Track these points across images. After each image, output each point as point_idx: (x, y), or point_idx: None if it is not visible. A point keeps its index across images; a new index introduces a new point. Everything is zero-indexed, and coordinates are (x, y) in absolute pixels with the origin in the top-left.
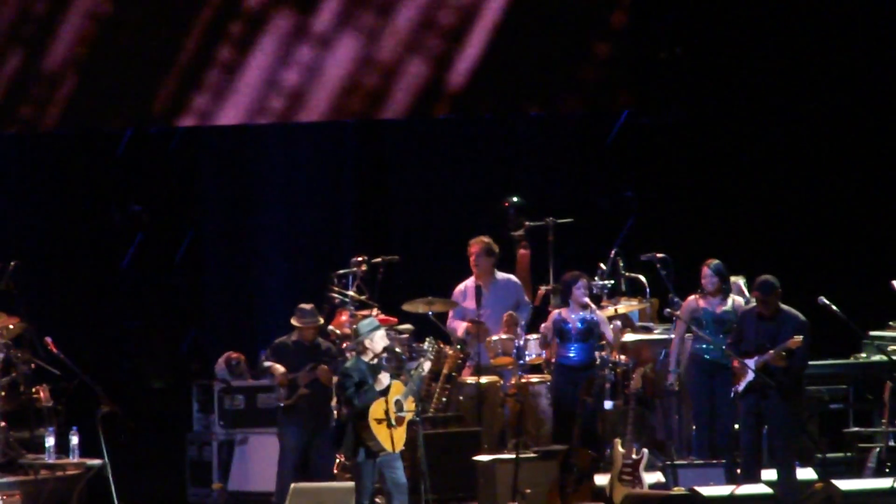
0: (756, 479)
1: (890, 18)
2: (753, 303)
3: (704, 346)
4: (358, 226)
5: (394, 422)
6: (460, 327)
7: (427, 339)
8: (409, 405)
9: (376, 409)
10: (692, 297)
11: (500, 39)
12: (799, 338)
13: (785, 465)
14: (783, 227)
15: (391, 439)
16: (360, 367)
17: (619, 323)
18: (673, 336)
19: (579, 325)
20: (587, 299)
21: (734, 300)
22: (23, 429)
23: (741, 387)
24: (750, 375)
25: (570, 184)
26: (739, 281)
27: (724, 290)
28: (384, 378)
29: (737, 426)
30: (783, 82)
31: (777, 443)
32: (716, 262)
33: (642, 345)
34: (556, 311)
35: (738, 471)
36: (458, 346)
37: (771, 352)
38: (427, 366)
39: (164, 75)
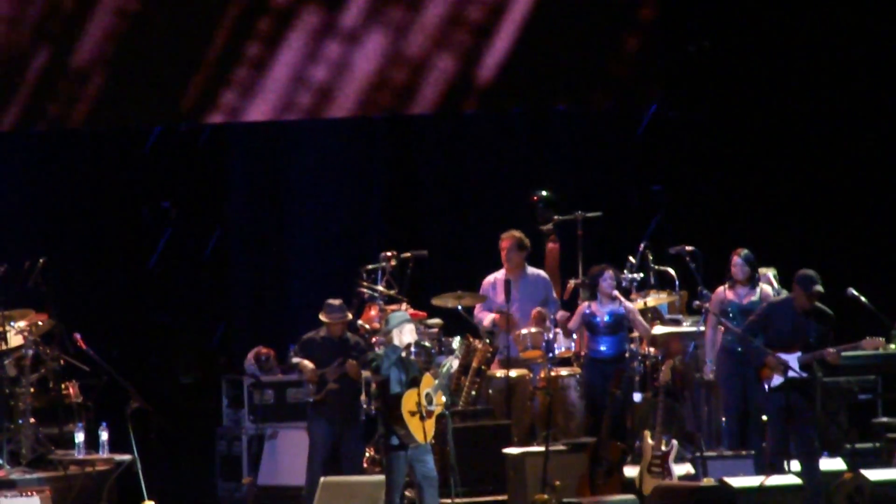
0: (785, 469)
1: None
2: (783, 294)
3: (732, 337)
4: (387, 221)
5: (424, 414)
6: (487, 318)
7: (457, 336)
8: (439, 399)
9: (409, 401)
10: (721, 289)
11: (529, 34)
12: (881, 339)
13: (813, 456)
14: (811, 218)
15: (423, 430)
16: (388, 355)
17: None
18: (703, 328)
19: (607, 318)
20: (616, 291)
21: (762, 289)
22: (52, 425)
23: (774, 382)
24: (789, 373)
25: (598, 178)
26: (769, 273)
27: (754, 279)
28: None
29: (764, 418)
30: (812, 74)
31: (810, 434)
32: (745, 251)
33: (671, 337)
34: (585, 304)
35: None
36: (487, 340)
37: (831, 350)
38: (455, 364)
39: (192, 72)
